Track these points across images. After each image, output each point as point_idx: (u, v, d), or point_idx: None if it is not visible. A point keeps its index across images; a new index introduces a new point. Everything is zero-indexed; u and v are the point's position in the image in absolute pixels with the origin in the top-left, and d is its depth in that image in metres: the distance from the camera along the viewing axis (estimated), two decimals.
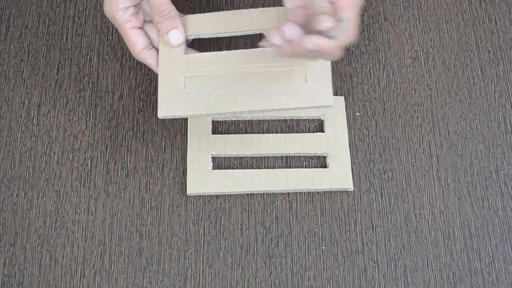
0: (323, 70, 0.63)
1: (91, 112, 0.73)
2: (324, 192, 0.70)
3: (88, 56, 0.76)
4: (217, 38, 0.69)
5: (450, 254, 0.67)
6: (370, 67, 0.75)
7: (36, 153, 0.71)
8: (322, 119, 0.72)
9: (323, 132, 0.72)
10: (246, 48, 0.66)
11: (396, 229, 0.68)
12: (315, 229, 0.68)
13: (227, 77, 0.64)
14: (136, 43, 0.65)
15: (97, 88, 0.74)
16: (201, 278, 0.66)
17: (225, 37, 0.70)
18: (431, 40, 0.77)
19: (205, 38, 0.68)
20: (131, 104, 0.73)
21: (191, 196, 0.69)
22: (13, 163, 0.71)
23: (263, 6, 0.78)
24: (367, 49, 0.76)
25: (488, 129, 0.73)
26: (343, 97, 0.73)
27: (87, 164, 0.71)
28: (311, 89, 0.63)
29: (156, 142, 0.72)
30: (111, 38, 0.76)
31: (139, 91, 0.74)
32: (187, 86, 0.64)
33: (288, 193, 0.70)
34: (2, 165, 0.71)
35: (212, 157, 0.70)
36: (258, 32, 0.66)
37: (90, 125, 0.72)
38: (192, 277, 0.66)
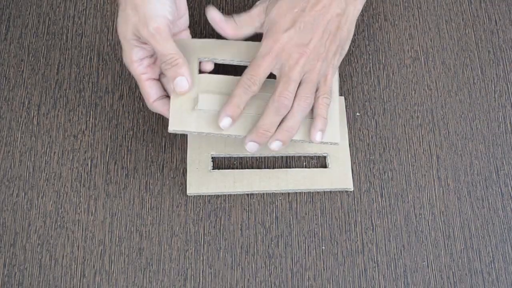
0: (332, 113, 0.66)
1: (91, 112, 0.73)
2: (324, 192, 0.70)
3: (88, 56, 0.76)
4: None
5: (450, 254, 0.67)
6: (370, 67, 0.75)
7: (36, 153, 0.71)
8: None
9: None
10: None
11: (396, 229, 0.68)
12: (315, 229, 0.68)
13: None
14: (149, 94, 0.66)
15: (97, 88, 0.74)
16: (201, 278, 0.66)
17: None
18: (431, 40, 0.77)
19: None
20: (131, 104, 0.73)
21: (191, 196, 0.69)
22: (13, 163, 0.71)
23: None
24: (367, 49, 0.76)
25: (488, 129, 0.73)
26: (343, 97, 0.73)
27: (87, 164, 0.71)
28: None
29: (156, 142, 0.72)
30: (111, 38, 0.76)
31: (139, 91, 0.74)
32: (200, 104, 0.65)
33: (288, 193, 0.70)
34: (2, 165, 0.71)
35: (212, 157, 0.70)
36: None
37: (90, 125, 0.72)
38: (192, 277, 0.66)
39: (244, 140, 0.64)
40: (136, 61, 0.65)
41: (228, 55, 0.68)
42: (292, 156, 0.71)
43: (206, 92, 0.65)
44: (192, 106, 0.64)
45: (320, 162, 0.71)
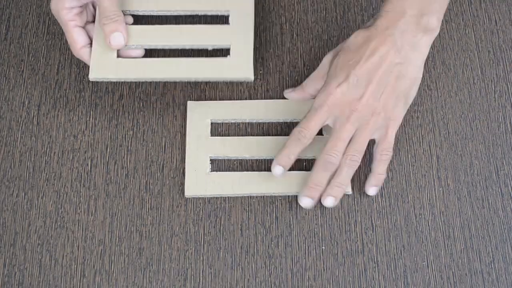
0: (245, 46, 0.69)
1: (91, 112, 0.73)
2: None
3: None
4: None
5: (450, 254, 0.67)
6: None
7: (36, 153, 0.71)
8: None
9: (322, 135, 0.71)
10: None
11: (396, 229, 0.68)
12: (315, 229, 0.68)
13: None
14: (77, 40, 0.69)
15: (97, 88, 0.74)
16: (201, 278, 0.66)
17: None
18: None
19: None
20: (131, 104, 0.73)
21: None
22: (13, 163, 0.71)
23: (263, 6, 0.78)
24: None
25: (488, 129, 0.73)
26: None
27: (87, 164, 0.71)
28: (233, 63, 0.68)
29: (156, 142, 0.72)
30: None
31: (139, 91, 0.74)
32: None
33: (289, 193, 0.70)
34: (2, 165, 0.71)
35: (210, 159, 0.70)
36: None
37: (90, 125, 0.72)
38: (192, 277, 0.66)
39: (299, 196, 0.67)
40: (67, 8, 0.67)
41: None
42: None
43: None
44: (113, 55, 0.69)
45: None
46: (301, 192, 0.67)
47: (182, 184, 0.70)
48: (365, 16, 0.78)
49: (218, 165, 0.71)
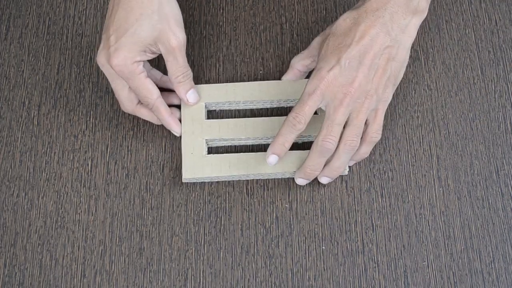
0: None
1: (91, 112, 0.73)
2: (324, 192, 0.70)
3: (89, 56, 0.76)
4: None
5: (450, 254, 0.67)
6: None
7: (37, 153, 0.71)
8: None
9: (317, 114, 0.71)
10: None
11: (396, 229, 0.68)
12: (315, 229, 0.68)
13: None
14: (153, 90, 0.67)
15: (98, 88, 0.74)
16: (201, 278, 0.66)
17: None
18: (431, 40, 0.77)
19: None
20: None
21: (191, 196, 0.69)
22: (14, 163, 0.71)
23: (263, 6, 0.78)
24: None
25: (488, 129, 0.73)
26: None
27: (88, 164, 0.71)
28: None
29: (156, 142, 0.72)
30: None
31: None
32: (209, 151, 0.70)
33: (288, 193, 0.70)
34: (2, 165, 0.71)
35: (206, 141, 0.70)
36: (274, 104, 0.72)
37: (91, 125, 0.72)
38: (192, 277, 0.66)
39: (295, 176, 0.68)
40: (138, 62, 0.65)
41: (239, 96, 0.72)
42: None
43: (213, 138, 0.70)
44: (202, 154, 0.69)
45: None
46: (297, 173, 0.68)
47: (183, 184, 0.70)
48: None
49: (216, 150, 0.70)
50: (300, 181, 0.68)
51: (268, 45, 0.76)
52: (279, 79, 0.74)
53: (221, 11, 0.78)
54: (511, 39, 0.77)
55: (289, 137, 0.65)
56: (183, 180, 0.69)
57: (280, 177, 0.70)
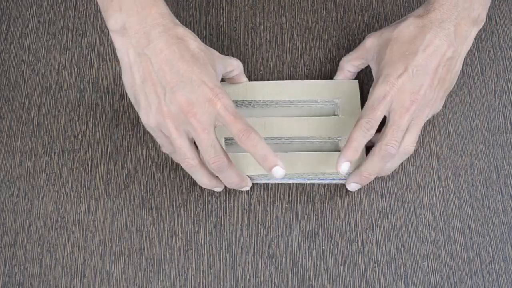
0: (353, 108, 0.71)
1: (92, 113, 0.73)
2: (324, 192, 0.70)
3: (89, 56, 0.76)
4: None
5: (450, 254, 0.67)
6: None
7: (37, 153, 0.71)
8: (335, 101, 0.72)
9: (337, 116, 0.71)
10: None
11: (396, 229, 0.68)
12: (315, 229, 0.68)
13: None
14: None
15: (98, 88, 0.74)
16: (201, 278, 0.66)
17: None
18: None
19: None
20: (132, 104, 0.73)
21: (192, 196, 0.69)
22: (14, 163, 0.71)
23: (263, 6, 0.78)
24: None
25: (488, 129, 0.73)
26: (357, 81, 0.73)
27: (88, 164, 0.71)
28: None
29: (156, 142, 0.72)
30: (111, 38, 0.76)
31: None
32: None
33: (288, 193, 0.70)
34: (2, 165, 0.71)
35: (225, 141, 0.69)
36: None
37: (91, 125, 0.72)
38: (192, 277, 0.66)
39: (347, 180, 0.67)
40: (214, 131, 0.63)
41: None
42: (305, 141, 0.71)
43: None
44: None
45: (334, 146, 0.71)
46: (351, 178, 0.67)
47: (183, 184, 0.70)
48: (365, 16, 0.78)
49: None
50: (353, 186, 0.67)
51: (268, 45, 0.76)
52: (279, 79, 0.74)
53: (221, 11, 0.78)
54: (511, 39, 0.77)
55: (362, 142, 0.65)
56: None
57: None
